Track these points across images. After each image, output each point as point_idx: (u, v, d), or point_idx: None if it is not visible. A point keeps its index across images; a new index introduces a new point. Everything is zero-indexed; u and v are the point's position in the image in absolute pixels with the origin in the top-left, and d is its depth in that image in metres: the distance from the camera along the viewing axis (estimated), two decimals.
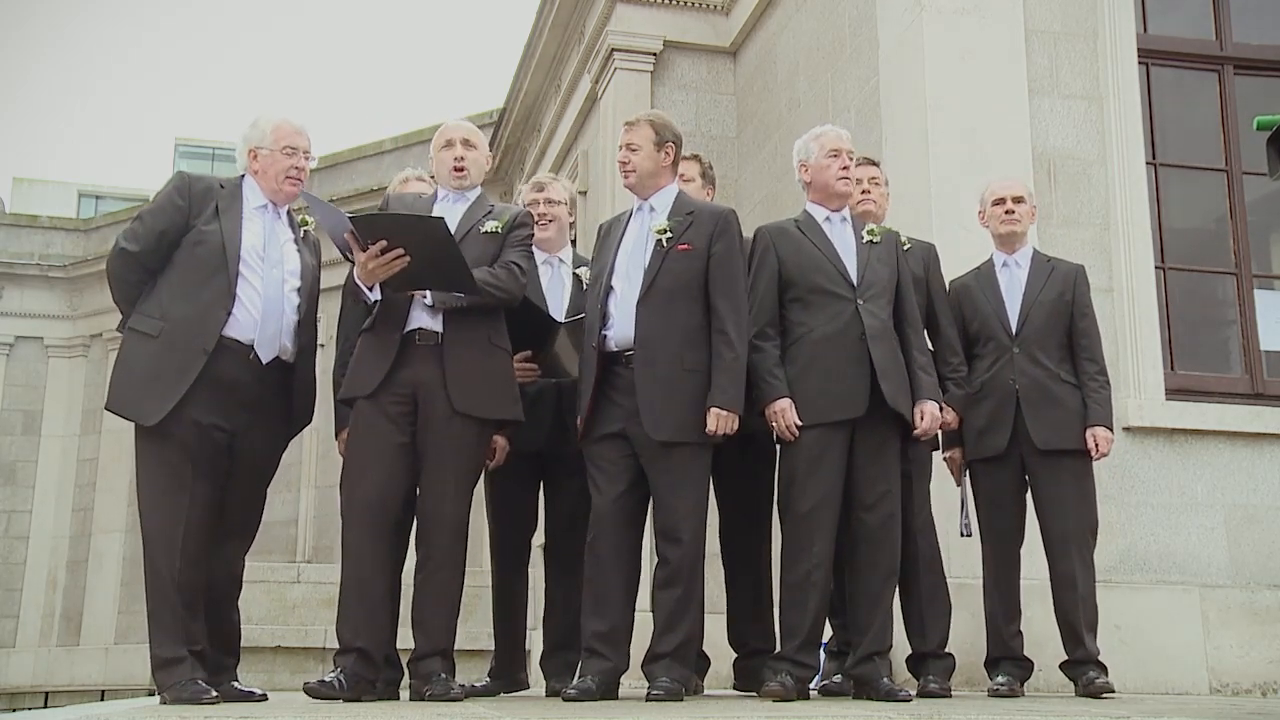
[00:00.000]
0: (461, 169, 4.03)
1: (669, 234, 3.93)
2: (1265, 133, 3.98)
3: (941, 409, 4.17)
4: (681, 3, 8.42)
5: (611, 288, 3.95)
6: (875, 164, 4.76)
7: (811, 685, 4.74)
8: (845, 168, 4.13)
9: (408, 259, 3.69)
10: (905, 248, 4.49)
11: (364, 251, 3.71)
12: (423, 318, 3.82)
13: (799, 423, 3.89)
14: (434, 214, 3.90)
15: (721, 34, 8.48)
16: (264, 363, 3.74)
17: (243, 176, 3.92)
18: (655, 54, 8.35)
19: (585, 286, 4.31)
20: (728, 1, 8.44)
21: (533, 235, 4.13)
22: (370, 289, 3.78)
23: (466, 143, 4.05)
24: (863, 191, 4.59)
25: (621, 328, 3.89)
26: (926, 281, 4.50)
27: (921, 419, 4.00)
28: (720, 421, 3.78)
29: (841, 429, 3.92)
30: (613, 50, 8.33)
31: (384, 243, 3.68)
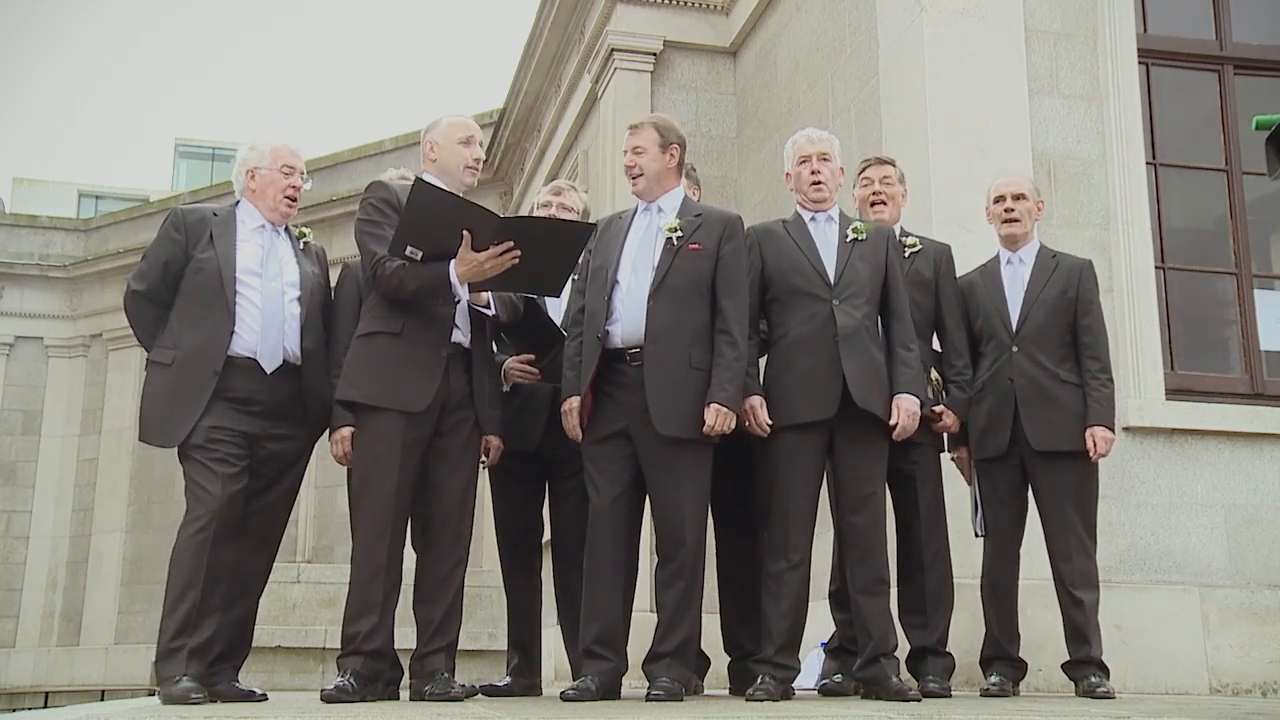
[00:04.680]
0: (476, 169, 4.08)
1: (679, 233, 3.94)
2: (1264, 132, 3.98)
3: (926, 405, 4.17)
4: (681, 3, 8.42)
5: (617, 281, 3.95)
6: (890, 163, 4.74)
7: (812, 685, 4.75)
8: (815, 172, 4.17)
9: (517, 259, 3.73)
10: (915, 248, 4.50)
11: (478, 250, 3.70)
12: (458, 333, 3.88)
13: (769, 422, 3.93)
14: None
15: (721, 34, 8.48)
16: (270, 371, 3.83)
17: (236, 204, 4.04)
18: (655, 54, 8.36)
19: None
20: (728, 1, 8.44)
21: None
22: (463, 286, 3.79)
23: (483, 145, 4.12)
24: (874, 193, 4.59)
25: (629, 323, 3.89)
26: (936, 282, 4.50)
27: (897, 413, 3.97)
28: (720, 418, 3.79)
29: (817, 430, 3.94)
30: (613, 50, 8.33)
31: (510, 244, 3.71)
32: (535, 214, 4.54)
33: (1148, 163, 5.92)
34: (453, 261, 3.72)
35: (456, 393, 3.86)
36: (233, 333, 3.79)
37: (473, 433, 3.91)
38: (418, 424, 3.77)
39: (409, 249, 3.73)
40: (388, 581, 3.74)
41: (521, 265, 3.74)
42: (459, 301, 3.82)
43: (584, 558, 3.92)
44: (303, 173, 4.06)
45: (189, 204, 4.18)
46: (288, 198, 4.01)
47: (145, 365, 3.93)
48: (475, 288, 3.82)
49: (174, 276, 3.87)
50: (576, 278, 4.23)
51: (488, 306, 3.91)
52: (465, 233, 3.69)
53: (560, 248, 3.83)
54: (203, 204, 4.23)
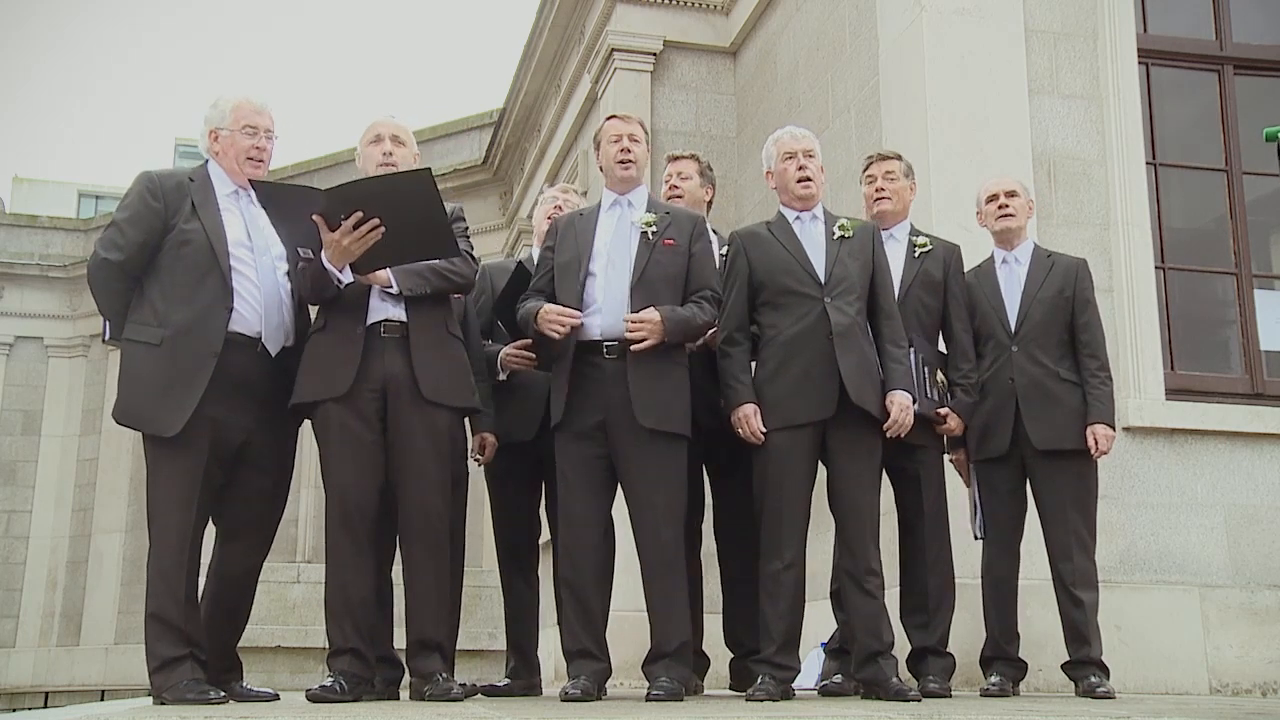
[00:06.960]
0: (389, 166, 3.92)
1: (654, 227, 3.96)
2: (1273, 143, 3.95)
3: (930, 407, 4.16)
4: (681, 3, 8.42)
5: (592, 273, 3.94)
6: (893, 157, 4.67)
7: (812, 685, 4.75)
8: (802, 168, 4.15)
9: (383, 229, 3.53)
10: (926, 248, 4.47)
11: (333, 230, 3.52)
12: (385, 308, 3.73)
13: (763, 430, 3.93)
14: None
15: (721, 34, 8.48)
16: (272, 355, 3.69)
17: (207, 162, 3.82)
18: (655, 54, 8.35)
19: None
20: (728, 1, 8.44)
21: (468, 226, 4.02)
22: (341, 271, 3.61)
23: (395, 139, 3.97)
24: (877, 189, 4.56)
25: (610, 314, 3.88)
26: (945, 283, 4.46)
27: (891, 409, 3.93)
28: (648, 315, 3.79)
29: (811, 430, 3.93)
30: (613, 50, 8.33)
31: (359, 215, 3.51)
32: (536, 210, 4.55)
33: (1148, 163, 5.92)
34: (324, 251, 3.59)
35: (396, 375, 3.68)
36: (231, 310, 3.57)
37: (424, 413, 3.68)
38: (353, 407, 3.65)
39: (300, 250, 3.64)
40: (348, 575, 3.65)
41: (392, 233, 3.54)
42: (342, 287, 3.64)
43: (564, 561, 3.89)
44: (269, 131, 3.78)
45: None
46: (250, 159, 3.72)
47: (107, 338, 3.67)
48: (369, 265, 3.63)
49: (152, 248, 3.59)
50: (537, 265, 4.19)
51: (390, 286, 3.69)
52: (316, 218, 3.53)
53: (416, 202, 3.53)
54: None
